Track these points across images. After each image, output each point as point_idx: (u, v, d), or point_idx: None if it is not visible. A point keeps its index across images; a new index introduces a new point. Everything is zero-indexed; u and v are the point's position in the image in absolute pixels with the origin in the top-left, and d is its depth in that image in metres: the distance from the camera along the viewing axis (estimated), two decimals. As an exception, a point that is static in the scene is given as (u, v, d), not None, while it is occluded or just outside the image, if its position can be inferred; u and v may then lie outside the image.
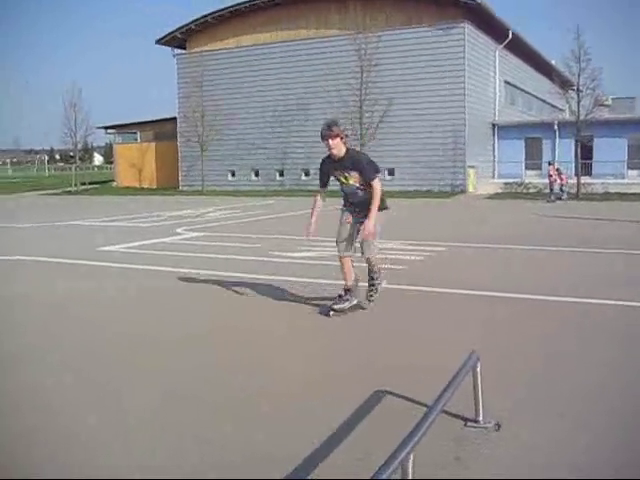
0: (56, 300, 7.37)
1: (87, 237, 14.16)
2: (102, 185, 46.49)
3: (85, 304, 7.15)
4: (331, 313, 6.20)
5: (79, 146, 44.01)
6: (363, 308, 6.43)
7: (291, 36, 35.89)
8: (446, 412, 3.47)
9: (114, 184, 45.45)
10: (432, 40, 32.47)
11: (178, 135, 39.74)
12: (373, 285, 6.55)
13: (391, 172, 33.35)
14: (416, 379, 4.41)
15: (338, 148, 6.11)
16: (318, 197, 6.54)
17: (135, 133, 44.99)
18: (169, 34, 38.80)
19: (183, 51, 39.85)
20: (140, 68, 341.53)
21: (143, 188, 41.32)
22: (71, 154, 49.59)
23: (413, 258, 10.07)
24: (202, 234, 14.32)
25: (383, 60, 31.79)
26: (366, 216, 6.13)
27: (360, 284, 6.55)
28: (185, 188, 38.97)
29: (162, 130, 42.79)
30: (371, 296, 6.56)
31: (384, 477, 2.07)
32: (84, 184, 42.29)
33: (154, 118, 43.94)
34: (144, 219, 18.61)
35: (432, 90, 32.33)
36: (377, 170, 6.34)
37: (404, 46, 32.73)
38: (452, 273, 8.89)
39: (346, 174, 6.23)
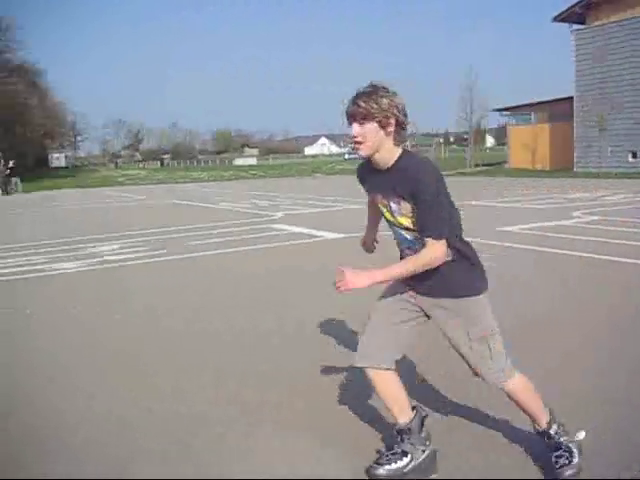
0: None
1: (484, 217, 15.00)
2: (494, 166, 47.60)
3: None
4: None
5: (473, 128, 45.70)
6: None
7: None
8: None
9: (506, 165, 46.21)
10: None
11: (574, 114, 38.56)
12: (561, 449, 3.00)
13: None
14: None
15: (370, 145, 2.81)
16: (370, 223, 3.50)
17: (529, 114, 45.02)
18: (566, 10, 37.69)
19: (581, 26, 38.39)
20: (535, 47, 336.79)
21: (535, 170, 41.20)
22: (465, 136, 51.65)
23: None
24: (599, 217, 14.06)
25: None
26: (435, 294, 3.03)
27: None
28: (579, 170, 37.67)
29: (556, 110, 41.97)
30: (560, 466, 2.96)
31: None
32: (477, 165, 43.83)
33: (548, 98, 43.36)
34: (539, 201, 18.84)
35: None
36: (443, 225, 2.88)
37: None
38: None
39: (391, 203, 2.96)
